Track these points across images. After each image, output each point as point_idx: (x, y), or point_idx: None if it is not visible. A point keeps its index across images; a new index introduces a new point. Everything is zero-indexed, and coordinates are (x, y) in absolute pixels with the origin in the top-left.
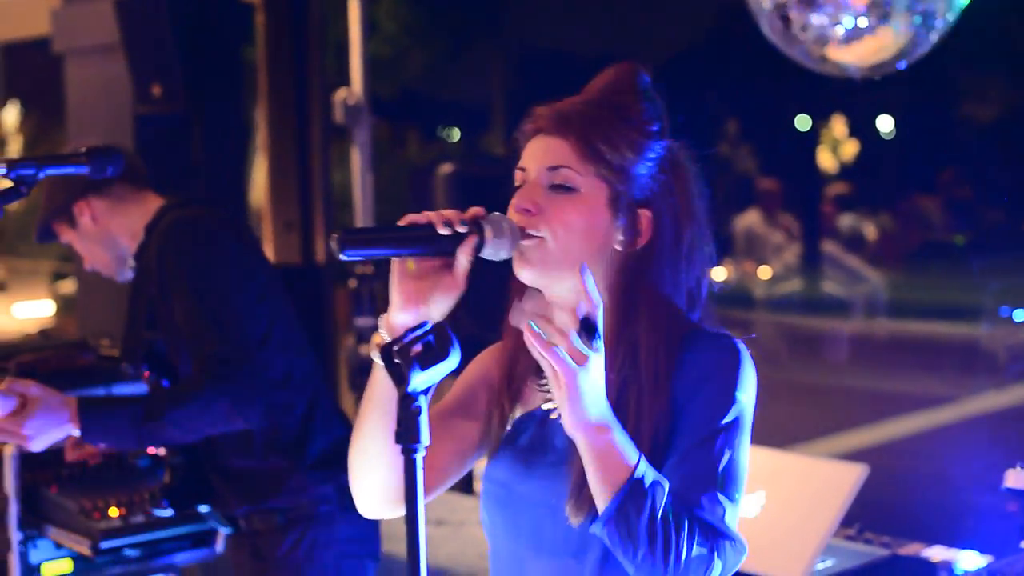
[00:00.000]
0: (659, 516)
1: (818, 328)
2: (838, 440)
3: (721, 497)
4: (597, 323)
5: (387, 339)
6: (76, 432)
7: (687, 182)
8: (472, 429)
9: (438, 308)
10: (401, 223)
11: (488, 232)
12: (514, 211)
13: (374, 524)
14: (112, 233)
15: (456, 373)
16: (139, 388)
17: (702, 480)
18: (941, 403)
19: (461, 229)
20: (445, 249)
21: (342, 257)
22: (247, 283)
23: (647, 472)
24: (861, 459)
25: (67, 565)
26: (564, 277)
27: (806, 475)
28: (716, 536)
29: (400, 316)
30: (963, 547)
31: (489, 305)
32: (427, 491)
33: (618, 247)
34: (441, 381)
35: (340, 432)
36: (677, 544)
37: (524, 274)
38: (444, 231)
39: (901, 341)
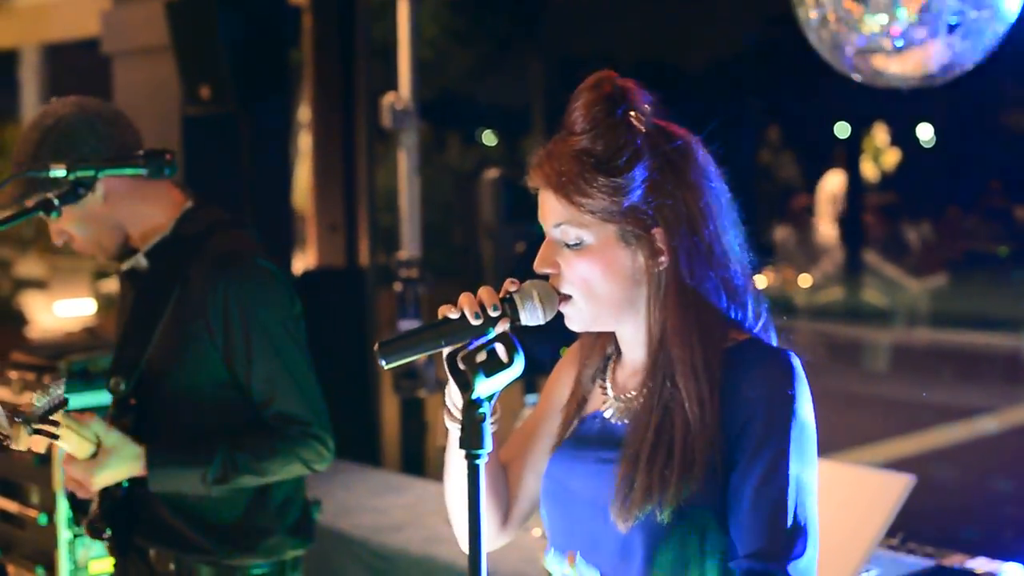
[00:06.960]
0: None
1: (858, 337)
2: (878, 449)
3: (801, 540)
4: None
5: (457, 416)
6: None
7: (687, 179)
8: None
9: None
10: (438, 318)
11: (520, 305)
12: (538, 271)
13: None
14: (118, 218)
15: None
16: None
17: (780, 528)
18: (982, 413)
19: (493, 314)
20: (483, 334)
21: (386, 366)
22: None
23: None
24: (902, 468)
25: (112, 563)
26: (608, 324)
27: (852, 484)
28: None
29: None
30: (1007, 559)
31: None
32: (511, 518)
33: (654, 270)
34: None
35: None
36: None
37: (574, 328)
38: (476, 322)
39: (942, 351)
